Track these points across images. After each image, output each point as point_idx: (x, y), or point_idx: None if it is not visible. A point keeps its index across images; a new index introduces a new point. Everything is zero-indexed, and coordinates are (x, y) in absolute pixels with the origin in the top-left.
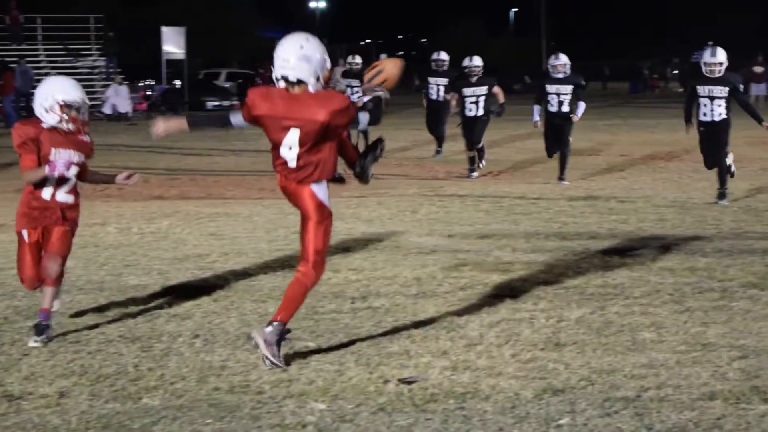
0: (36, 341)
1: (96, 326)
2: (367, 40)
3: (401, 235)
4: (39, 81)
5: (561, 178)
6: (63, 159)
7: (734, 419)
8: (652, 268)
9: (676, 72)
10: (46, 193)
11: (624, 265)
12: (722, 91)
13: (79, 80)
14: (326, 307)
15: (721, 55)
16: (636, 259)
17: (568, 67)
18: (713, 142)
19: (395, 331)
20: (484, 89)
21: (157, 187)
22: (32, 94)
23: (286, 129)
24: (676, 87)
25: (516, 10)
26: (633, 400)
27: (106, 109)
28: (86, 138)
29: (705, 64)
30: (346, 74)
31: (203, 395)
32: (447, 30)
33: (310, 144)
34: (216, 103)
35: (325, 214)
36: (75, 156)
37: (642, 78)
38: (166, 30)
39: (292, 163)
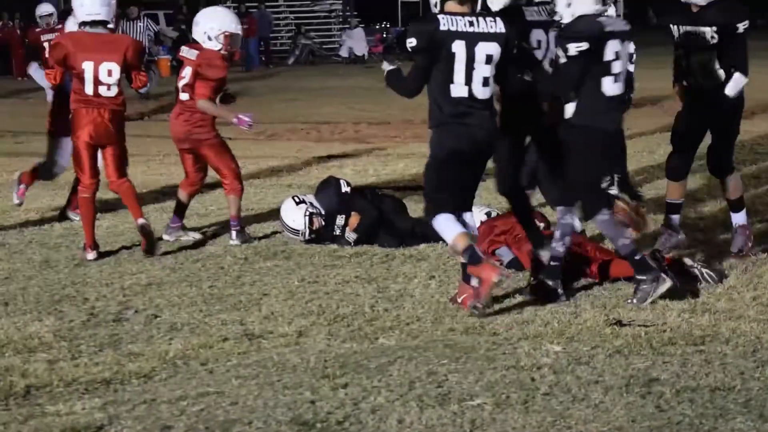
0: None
1: (333, 267)
2: None
3: None
4: (277, 25)
5: None
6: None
7: None
8: None
9: None
10: None
11: None
12: None
13: (316, 23)
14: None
15: None
16: None
17: None
18: None
19: None
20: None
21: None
22: (271, 38)
23: None
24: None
25: None
26: None
27: (343, 52)
28: None
29: None
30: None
31: (439, 336)
32: None
33: None
34: None
35: None
36: None
37: None
38: None
39: None
